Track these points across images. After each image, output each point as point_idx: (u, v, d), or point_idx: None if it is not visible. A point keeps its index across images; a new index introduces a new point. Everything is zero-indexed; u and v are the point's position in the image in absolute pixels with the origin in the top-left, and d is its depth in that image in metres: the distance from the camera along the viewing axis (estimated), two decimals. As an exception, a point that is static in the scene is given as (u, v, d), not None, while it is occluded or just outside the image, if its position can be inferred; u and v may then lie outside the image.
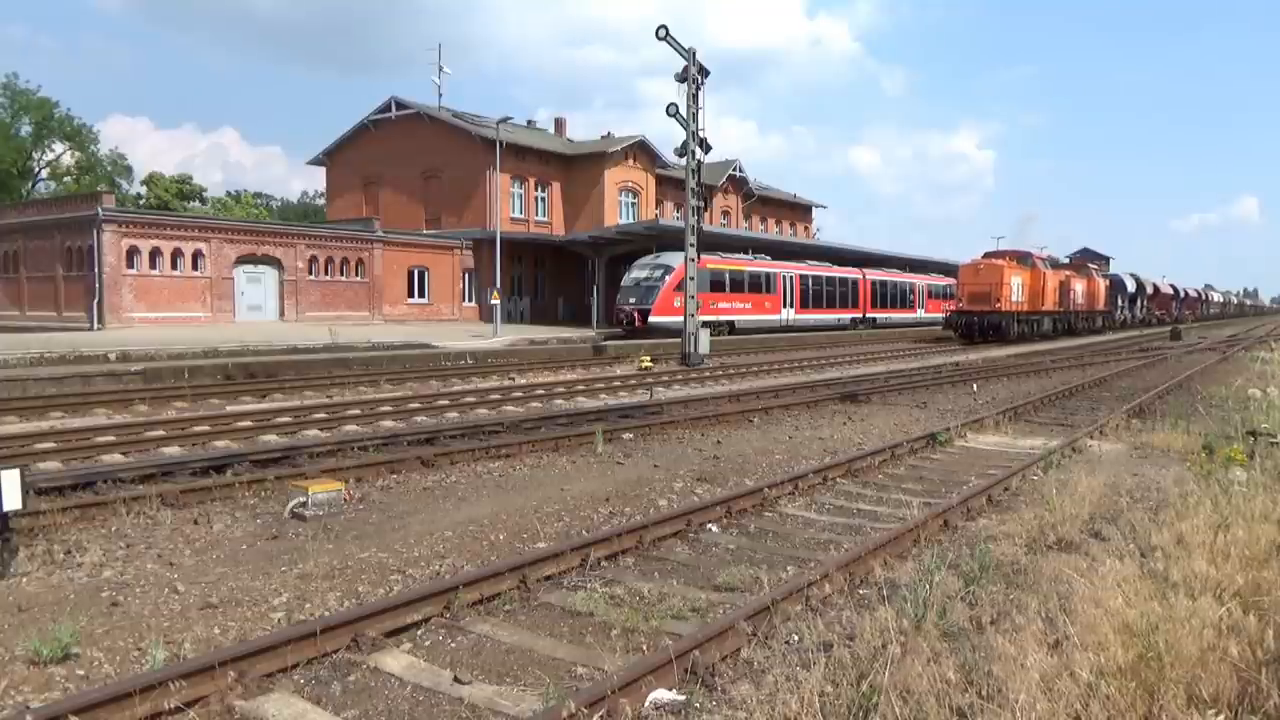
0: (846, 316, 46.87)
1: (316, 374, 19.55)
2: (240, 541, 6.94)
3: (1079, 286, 45.38)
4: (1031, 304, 38.82)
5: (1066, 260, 58.73)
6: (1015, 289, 37.26)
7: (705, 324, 27.48)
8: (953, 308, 39.30)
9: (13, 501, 5.84)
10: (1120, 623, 4.31)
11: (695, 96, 24.42)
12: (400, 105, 48.53)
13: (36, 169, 65.01)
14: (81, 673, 4.52)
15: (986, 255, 39.61)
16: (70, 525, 7.08)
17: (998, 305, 36.02)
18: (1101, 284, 50.29)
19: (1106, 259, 79.04)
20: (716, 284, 37.00)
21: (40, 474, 8.58)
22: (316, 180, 75.92)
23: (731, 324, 37.70)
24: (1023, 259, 39.49)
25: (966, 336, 36.53)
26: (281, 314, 37.35)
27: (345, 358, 21.86)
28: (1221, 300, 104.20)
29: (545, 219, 49.42)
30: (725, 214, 59.89)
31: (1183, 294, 75.55)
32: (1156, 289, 66.51)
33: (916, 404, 16.18)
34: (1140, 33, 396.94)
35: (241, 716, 4.10)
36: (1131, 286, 59.03)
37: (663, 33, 23.49)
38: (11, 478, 5.81)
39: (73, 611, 5.32)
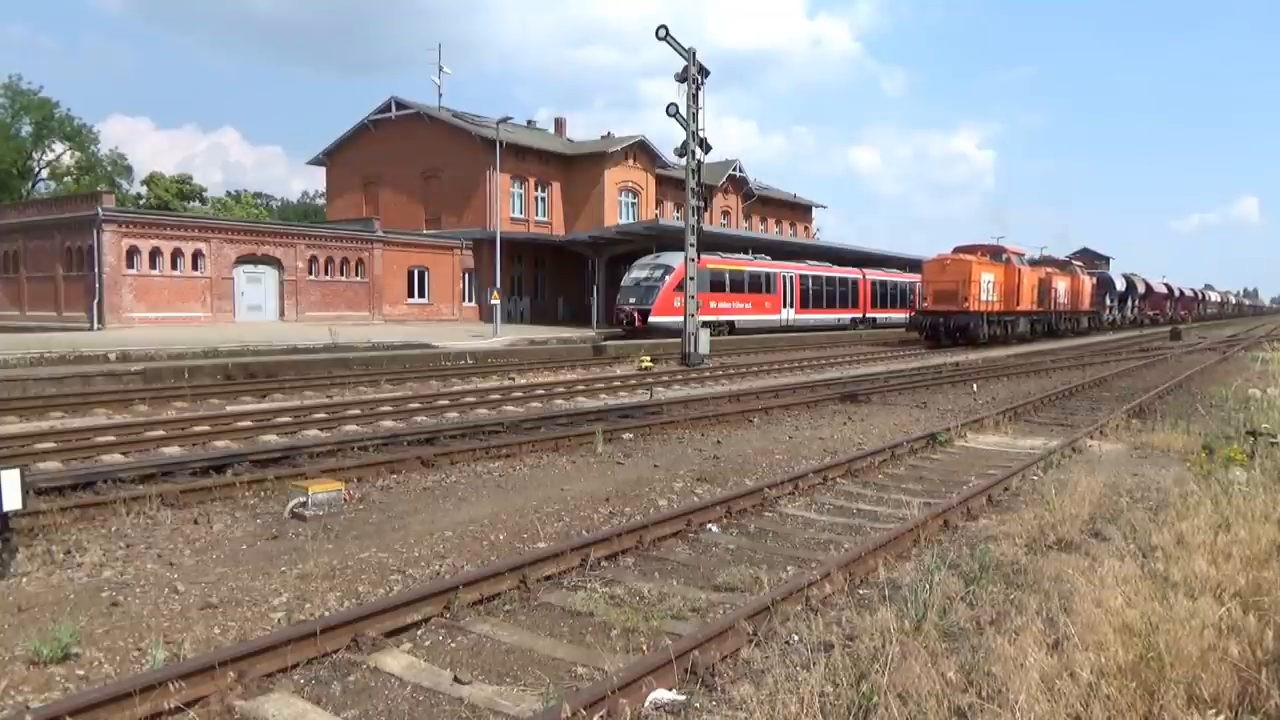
0: (846, 316, 46.85)
1: (316, 374, 19.55)
2: (240, 541, 6.94)
3: (1061, 285, 42.29)
4: (1006, 303, 35.51)
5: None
6: (986, 287, 33.86)
7: (705, 324, 27.48)
8: (925, 307, 35.30)
9: (13, 501, 5.84)
10: (1120, 623, 4.31)
11: (695, 96, 24.42)
12: (400, 105, 48.51)
13: (36, 169, 65.03)
14: (81, 673, 4.52)
15: (957, 249, 36.07)
16: (70, 525, 7.08)
17: (965, 305, 32.55)
18: (1087, 282, 47.36)
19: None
20: (716, 284, 36.98)
21: (40, 474, 8.57)
22: (316, 180, 75.93)
23: (731, 324, 37.68)
24: (996, 254, 36.40)
25: (932, 339, 33.54)
26: (281, 314, 37.34)
27: (345, 358, 21.86)
28: (1219, 300, 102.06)
29: (545, 219, 49.42)
30: (725, 214, 59.88)
31: (1178, 293, 73.00)
32: (1149, 288, 63.92)
33: (916, 404, 16.18)
34: (1140, 33, 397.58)
35: (241, 716, 4.10)
36: (1121, 285, 56.57)
37: (663, 33, 23.50)
38: (11, 478, 5.81)
39: (73, 611, 5.32)
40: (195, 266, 34.48)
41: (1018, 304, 36.41)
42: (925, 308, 34.67)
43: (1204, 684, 3.69)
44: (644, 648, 4.84)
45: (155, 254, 33.39)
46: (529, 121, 56.91)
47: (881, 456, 10.36)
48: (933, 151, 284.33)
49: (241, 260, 36.02)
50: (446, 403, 15.22)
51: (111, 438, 11.03)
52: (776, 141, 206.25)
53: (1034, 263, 42.38)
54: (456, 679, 4.48)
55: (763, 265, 41.15)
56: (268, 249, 37.04)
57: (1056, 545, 6.59)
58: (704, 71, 24.65)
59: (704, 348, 25.03)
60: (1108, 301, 52.65)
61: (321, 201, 65.48)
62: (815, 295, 44.65)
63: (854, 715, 3.76)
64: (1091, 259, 73.96)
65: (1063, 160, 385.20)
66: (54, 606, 5.44)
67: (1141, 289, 61.26)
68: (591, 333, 34.01)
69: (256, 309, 36.55)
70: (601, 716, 3.82)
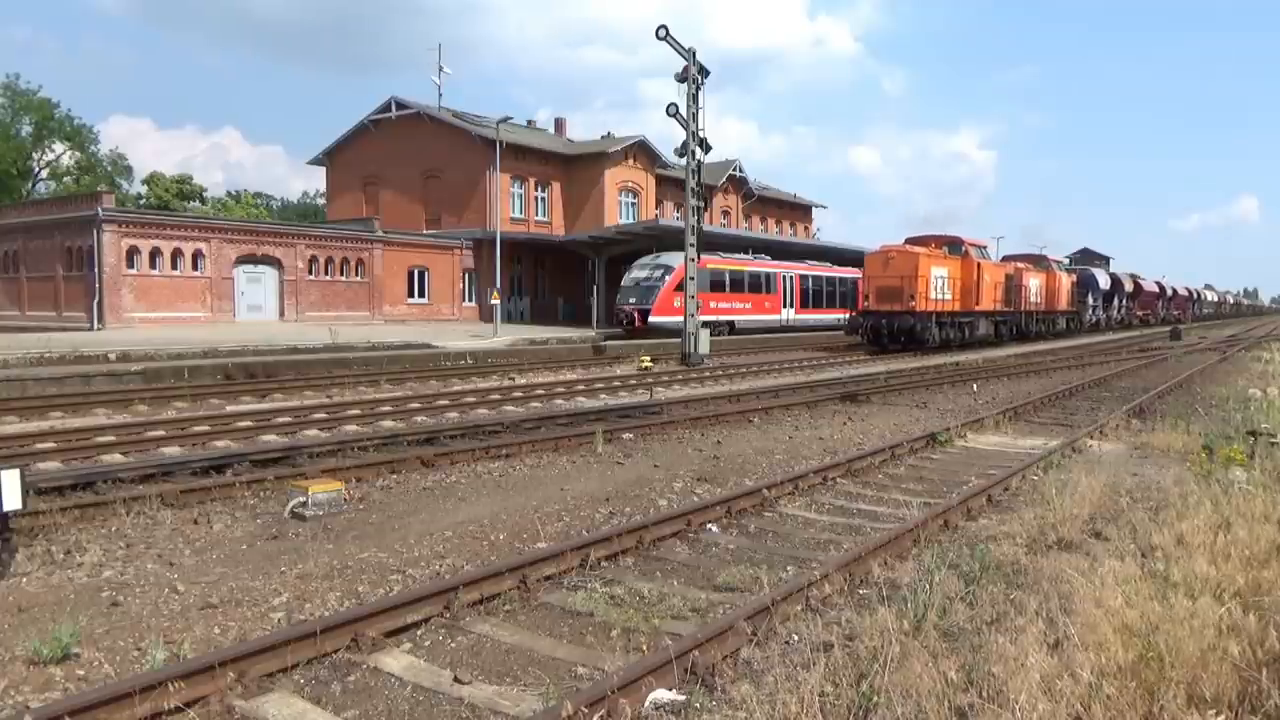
0: (847, 316, 46.78)
1: (316, 374, 19.54)
2: (240, 541, 6.94)
3: (1034, 282, 38.12)
4: (963, 302, 31.29)
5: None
6: (938, 284, 29.66)
7: (705, 324, 27.45)
8: (867, 306, 30.82)
9: (13, 501, 5.83)
10: (1121, 623, 4.31)
11: (695, 96, 24.41)
12: (400, 105, 48.49)
13: (36, 169, 65.02)
14: (81, 673, 4.52)
15: (909, 241, 31.80)
16: (70, 525, 7.07)
17: (912, 304, 28.56)
18: (1065, 280, 43.18)
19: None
20: (716, 284, 36.99)
21: (40, 474, 8.57)
22: (317, 180, 76.07)
23: (731, 324, 37.69)
24: (953, 246, 31.85)
25: (875, 342, 29.81)
26: (281, 314, 37.33)
27: (345, 358, 21.85)
28: (1216, 300, 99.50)
29: (545, 219, 49.41)
30: (725, 214, 59.88)
31: (1170, 292, 68.81)
32: (1138, 286, 59.96)
33: (916, 404, 16.18)
34: (1141, 32, 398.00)
35: (241, 716, 4.10)
36: (1105, 284, 52.14)
37: (663, 33, 23.48)
38: (11, 478, 5.81)
39: (73, 611, 5.32)
40: (195, 266, 34.47)
41: (977, 303, 32.17)
42: (867, 307, 30.41)
43: (1204, 684, 3.69)
44: (644, 648, 4.84)
45: (155, 254, 33.38)
46: (529, 121, 56.95)
47: (881, 456, 10.36)
48: (933, 151, 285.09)
49: (241, 260, 36.01)
50: (446, 403, 15.21)
51: (111, 438, 11.03)
52: (776, 141, 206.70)
53: (1009, 258, 39.45)
54: (456, 679, 4.48)
55: (763, 265, 41.15)
56: (268, 249, 37.03)
57: (1057, 545, 6.59)
58: (704, 71, 24.64)
59: (704, 348, 25.02)
60: (1090, 301, 49.02)
61: (321, 201, 65.49)
62: (815, 295, 44.63)
63: (854, 715, 3.76)
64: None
65: (1064, 160, 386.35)
66: (54, 606, 5.44)
67: (1130, 287, 57.71)
68: (591, 333, 34.00)
69: (256, 309, 36.54)
70: (601, 716, 3.82)
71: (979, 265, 32.49)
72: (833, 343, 36.01)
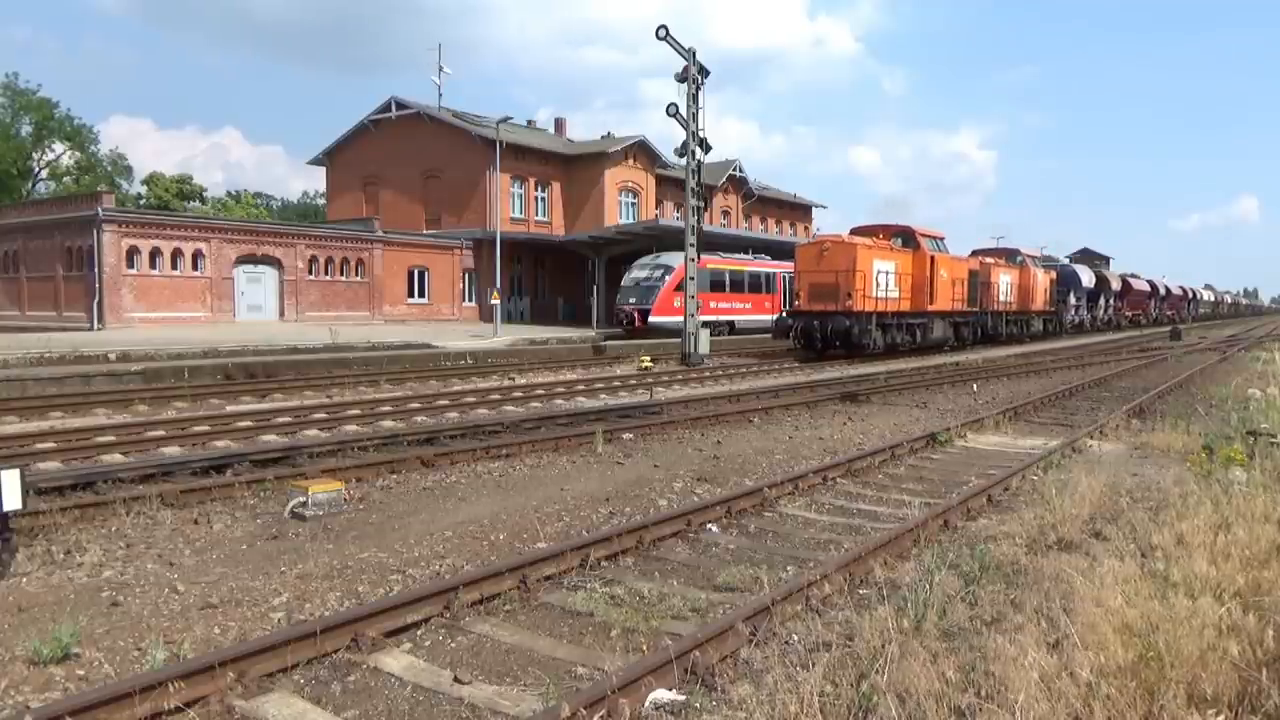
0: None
1: (316, 374, 19.54)
2: (240, 541, 6.94)
3: (1005, 280, 34.35)
4: (914, 301, 27.64)
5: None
6: (881, 280, 25.85)
7: (705, 324, 27.43)
8: (797, 306, 27.08)
9: (13, 501, 5.83)
10: (1120, 622, 4.31)
11: (695, 96, 24.41)
12: (400, 105, 48.50)
13: (36, 169, 65.00)
14: (81, 673, 4.52)
15: (854, 231, 27.91)
16: (70, 525, 7.07)
17: (849, 303, 24.78)
18: (1041, 277, 39.22)
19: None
20: (716, 284, 36.99)
21: (40, 474, 8.57)
22: (317, 180, 75.97)
23: (731, 324, 37.70)
24: (906, 238, 28.02)
25: (809, 347, 25.86)
26: (281, 314, 37.33)
27: (345, 358, 21.85)
28: (1213, 300, 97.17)
29: (545, 219, 49.40)
30: (725, 214, 59.86)
31: (1164, 291, 65.60)
32: (1127, 285, 56.73)
33: (916, 404, 16.18)
34: (1141, 32, 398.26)
35: (241, 716, 4.10)
36: (1089, 281, 48.86)
37: (663, 33, 23.49)
38: (11, 478, 5.80)
39: (73, 611, 5.32)
40: (195, 266, 34.47)
41: (932, 302, 28.27)
42: (797, 306, 26.73)
43: (1204, 683, 3.69)
44: (644, 648, 4.84)
45: (155, 254, 33.38)
46: (529, 121, 56.94)
47: (881, 456, 10.36)
48: (933, 151, 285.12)
49: (241, 260, 36.01)
50: (446, 403, 15.21)
51: (111, 438, 11.02)
52: (777, 141, 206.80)
53: (977, 252, 36.43)
54: (456, 679, 4.48)
55: (763, 265, 41.15)
56: (268, 249, 37.03)
57: (1057, 545, 6.59)
58: (704, 71, 24.64)
59: (704, 348, 25.02)
60: (1071, 300, 45.58)
61: (321, 201, 65.45)
62: None
63: (854, 715, 3.76)
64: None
65: (1064, 160, 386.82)
66: (54, 606, 5.44)
67: (1117, 286, 54.49)
68: (591, 333, 34.00)
69: (256, 309, 36.55)
70: (601, 716, 3.82)
71: (933, 259, 28.40)
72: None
